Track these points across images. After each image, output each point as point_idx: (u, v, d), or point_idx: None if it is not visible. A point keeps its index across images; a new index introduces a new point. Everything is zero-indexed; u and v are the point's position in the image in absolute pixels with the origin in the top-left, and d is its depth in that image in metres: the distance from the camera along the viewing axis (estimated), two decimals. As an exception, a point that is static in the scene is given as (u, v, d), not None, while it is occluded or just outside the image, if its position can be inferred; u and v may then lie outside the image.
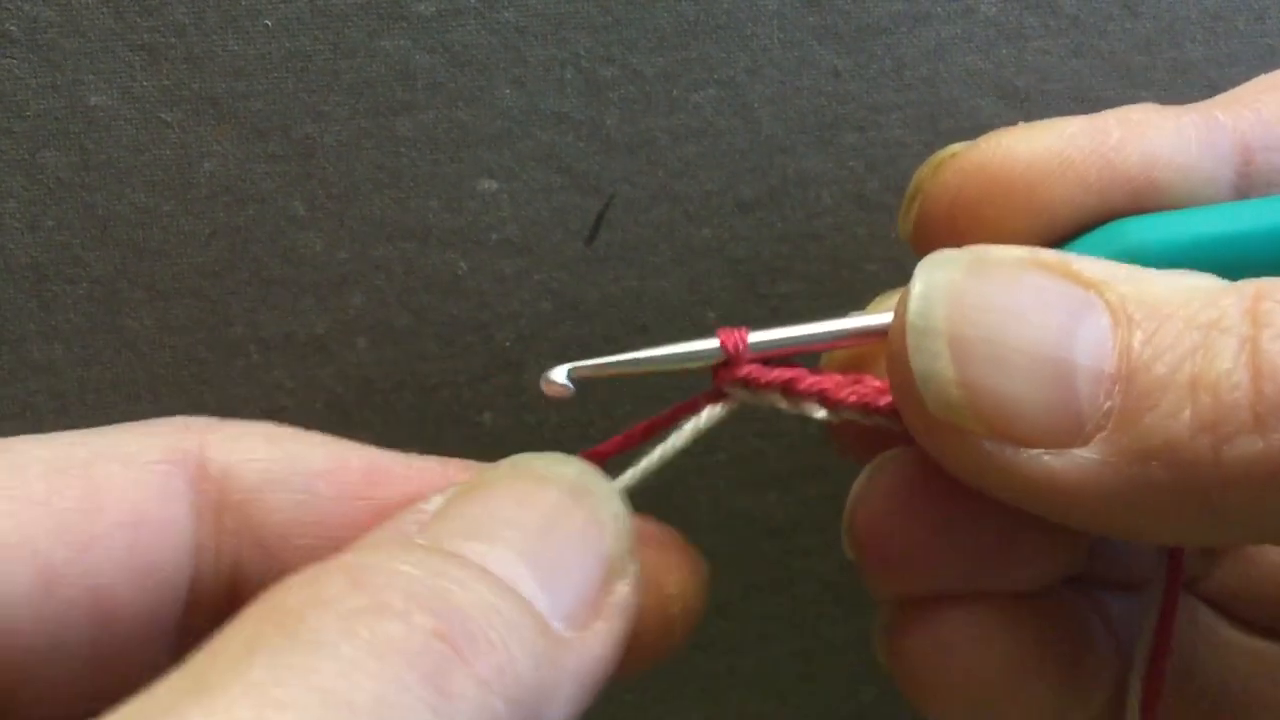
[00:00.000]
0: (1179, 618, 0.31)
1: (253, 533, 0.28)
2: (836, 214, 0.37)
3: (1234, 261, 0.28)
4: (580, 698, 0.25)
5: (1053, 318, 0.26)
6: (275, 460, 0.28)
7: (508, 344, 0.37)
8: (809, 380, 0.29)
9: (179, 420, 0.29)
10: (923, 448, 0.28)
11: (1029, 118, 0.37)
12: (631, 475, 0.29)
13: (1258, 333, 0.24)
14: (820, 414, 0.30)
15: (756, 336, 0.29)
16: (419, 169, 0.35)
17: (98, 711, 0.22)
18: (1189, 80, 0.37)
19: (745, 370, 0.30)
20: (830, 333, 0.30)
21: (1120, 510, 0.26)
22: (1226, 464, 0.24)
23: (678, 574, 0.30)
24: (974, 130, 0.37)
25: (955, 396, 0.26)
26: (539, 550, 0.25)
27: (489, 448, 0.37)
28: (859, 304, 0.38)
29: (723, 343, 0.29)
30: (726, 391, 0.30)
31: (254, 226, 0.35)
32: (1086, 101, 0.37)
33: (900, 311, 0.27)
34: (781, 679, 0.43)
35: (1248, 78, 0.32)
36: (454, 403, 0.37)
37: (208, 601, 0.28)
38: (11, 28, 0.33)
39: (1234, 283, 0.26)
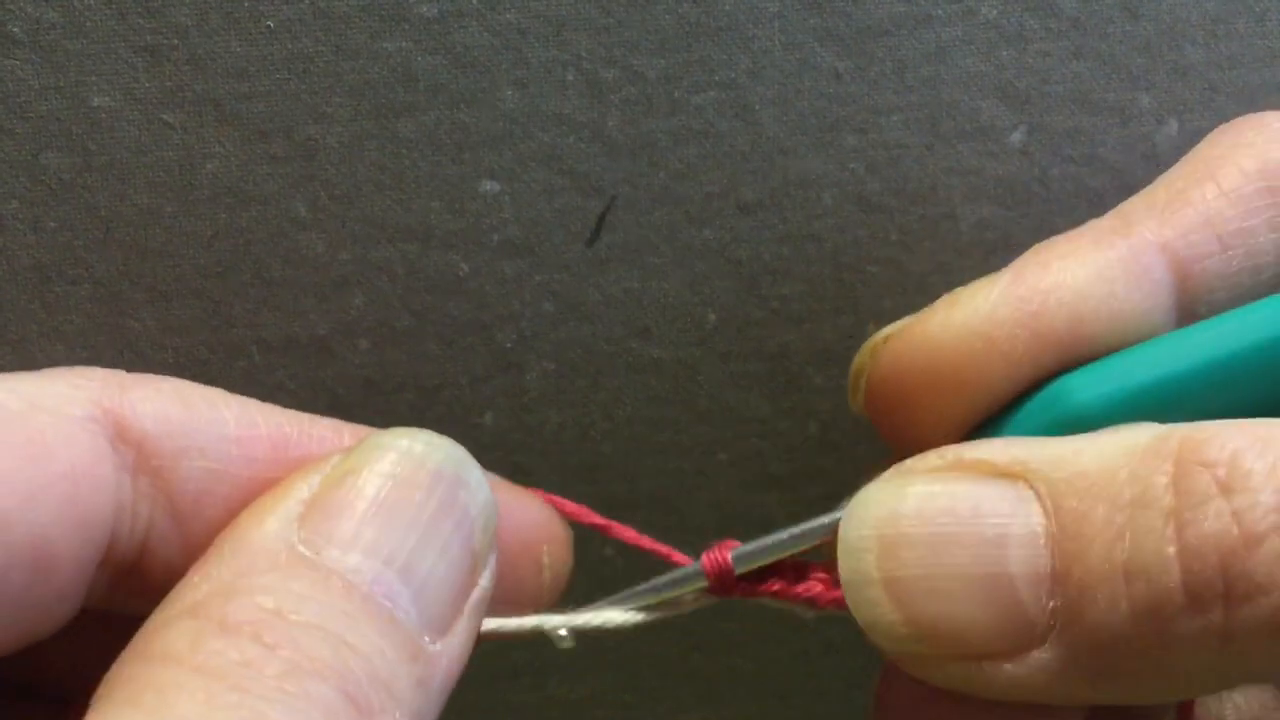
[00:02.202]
0: None
1: (166, 500, 0.28)
2: (837, 216, 0.37)
3: (1175, 399, 0.28)
4: (443, 703, 0.27)
5: (983, 530, 0.26)
6: (189, 426, 0.29)
7: (509, 345, 0.37)
8: (796, 589, 0.31)
9: (87, 370, 0.29)
10: None
11: (1030, 119, 0.37)
12: (614, 605, 0.31)
13: (1180, 503, 0.24)
14: (810, 615, 0.31)
15: (741, 551, 0.30)
16: (420, 170, 0.35)
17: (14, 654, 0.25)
18: (1189, 82, 0.37)
19: (733, 591, 0.31)
20: (813, 530, 0.30)
21: (1094, 692, 0.26)
22: (1173, 646, 0.24)
23: (549, 545, 0.31)
24: (975, 132, 0.37)
25: (904, 634, 0.27)
26: (413, 559, 0.26)
27: (490, 449, 0.38)
28: (859, 305, 0.38)
29: (706, 570, 0.30)
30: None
31: (256, 228, 0.35)
32: (1087, 104, 0.37)
33: (837, 565, 0.28)
34: (781, 679, 0.43)
35: (1248, 80, 0.32)
36: (455, 404, 0.37)
37: (118, 561, 0.28)
38: (14, 29, 0.33)
39: (1164, 432, 0.26)
